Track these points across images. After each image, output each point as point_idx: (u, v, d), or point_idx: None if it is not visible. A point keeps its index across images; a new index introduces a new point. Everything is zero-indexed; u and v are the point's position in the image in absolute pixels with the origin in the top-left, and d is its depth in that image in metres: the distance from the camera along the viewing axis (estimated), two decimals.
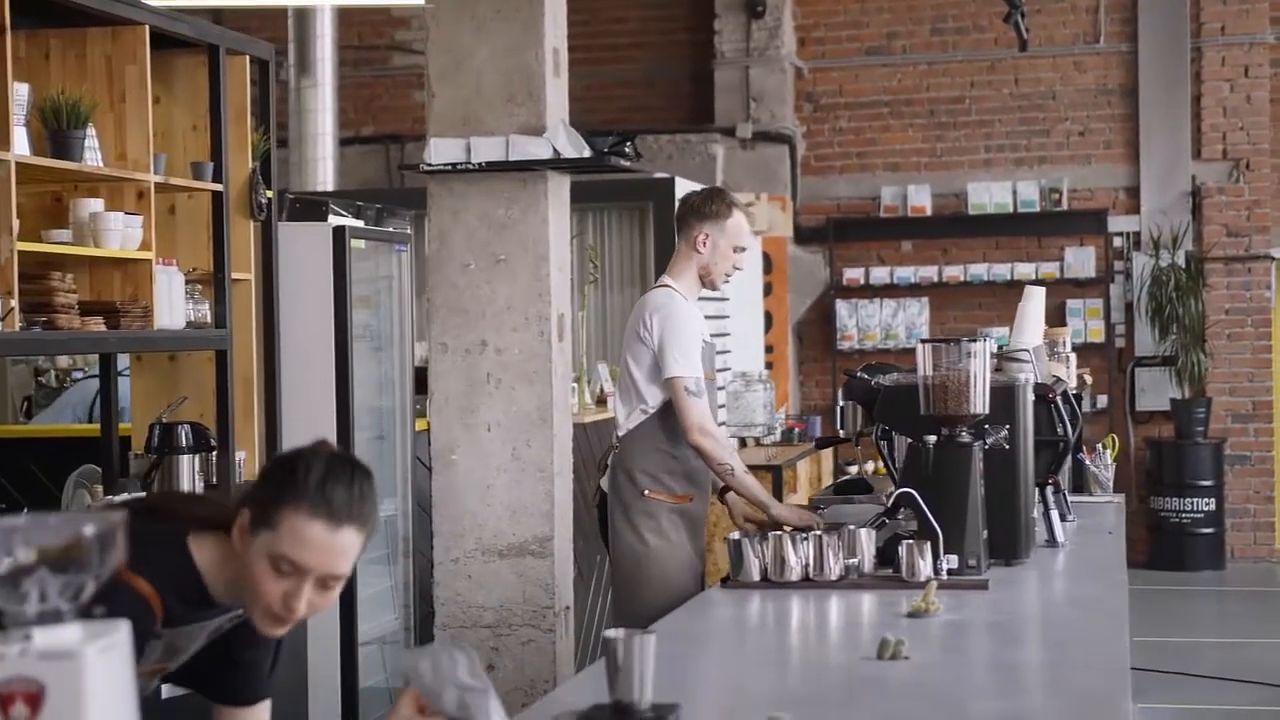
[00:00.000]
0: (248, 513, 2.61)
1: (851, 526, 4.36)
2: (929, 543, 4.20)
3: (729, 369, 10.23)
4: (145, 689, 2.65)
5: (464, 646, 2.69)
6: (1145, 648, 9.02)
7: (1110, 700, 2.91)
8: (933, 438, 4.38)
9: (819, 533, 4.30)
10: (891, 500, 4.39)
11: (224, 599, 2.70)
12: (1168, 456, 12.21)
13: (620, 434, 5.28)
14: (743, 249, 5.33)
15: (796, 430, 11.22)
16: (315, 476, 2.59)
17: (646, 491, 5.17)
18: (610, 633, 2.72)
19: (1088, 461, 6.44)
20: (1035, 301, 5.47)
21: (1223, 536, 12.24)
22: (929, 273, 12.68)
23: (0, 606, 1.78)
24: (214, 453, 5.52)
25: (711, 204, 5.29)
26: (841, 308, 12.80)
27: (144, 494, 4.92)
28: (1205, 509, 12.11)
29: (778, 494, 8.81)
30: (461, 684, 2.66)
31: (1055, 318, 12.18)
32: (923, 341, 4.44)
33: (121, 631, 1.80)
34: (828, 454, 11.36)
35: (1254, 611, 11.01)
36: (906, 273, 12.73)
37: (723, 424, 9.77)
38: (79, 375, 8.14)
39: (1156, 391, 12.44)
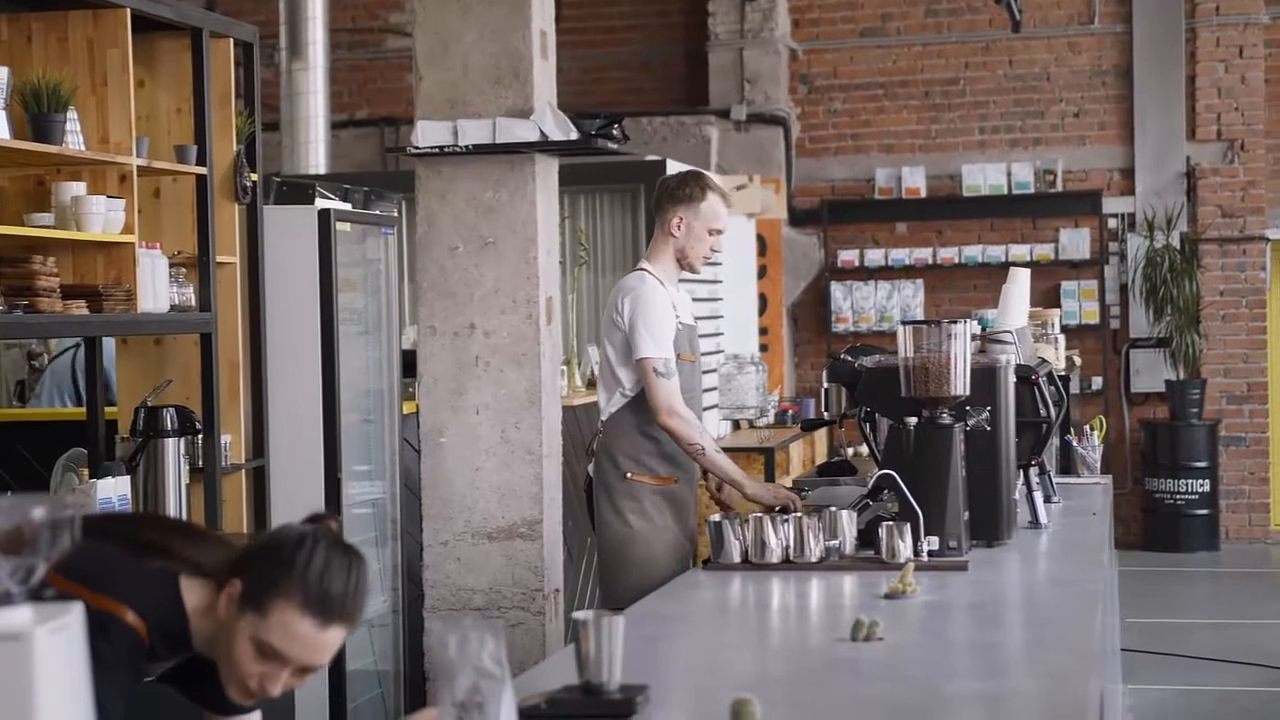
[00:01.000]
0: (239, 584, 2.59)
1: (833, 508, 4.36)
2: (909, 524, 4.21)
3: (722, 351, 10.23)
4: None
5: (496, 630, 2.70)
6: (1139, 629, 9.03)
7: (1076, 679, 2.92)
8: (913, 419, 4.39)
9: (799, 514, 4.31)
10: (872, 482, 4.39)
11: (203, 648, 2.68)
12: (1162, 438, 12.21)
13: (603, 419, 5.29)
14: (718, 231, 5.30)
15: (790, 413, 11.22)
16: (315, 570, 2.57)
17: (629, 474, 5.19)
18: (579, 615, 2.74)
19: (1075, 443, 6.43)
20: (1020, 283, 5.47)
21: (1217, 518, 12.25)
22: (924, 254, 12.67)
23: None
24: (199, 436, 5.52)
25: (685, 187, 5.30)
26: (836, 290, 12.79)
27: (140, 514, 4.85)
28: (1200, 490, 12.12)
29: (769, 476, 8.82)
30: (481, 668, 2.67)
31: (1049, 299, 12.19)
32: (904, 323, 4.44)
33: (73, 614, 1.81)
34: (821, 436, 11.38)
35: (1248, 592, 11.02)
36: (901, 255, 12.72)
37: (714, 406, 9.82)
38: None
39: (1151, 373, 12.44)
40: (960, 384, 4.37)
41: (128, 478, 5.20)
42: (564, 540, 6.09)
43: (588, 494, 5.41)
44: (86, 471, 5.41)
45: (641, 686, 2.77)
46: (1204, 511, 12.15)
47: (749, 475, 5.32)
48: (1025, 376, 4.95)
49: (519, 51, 5.72)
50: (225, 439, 5.70)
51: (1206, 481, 12.13)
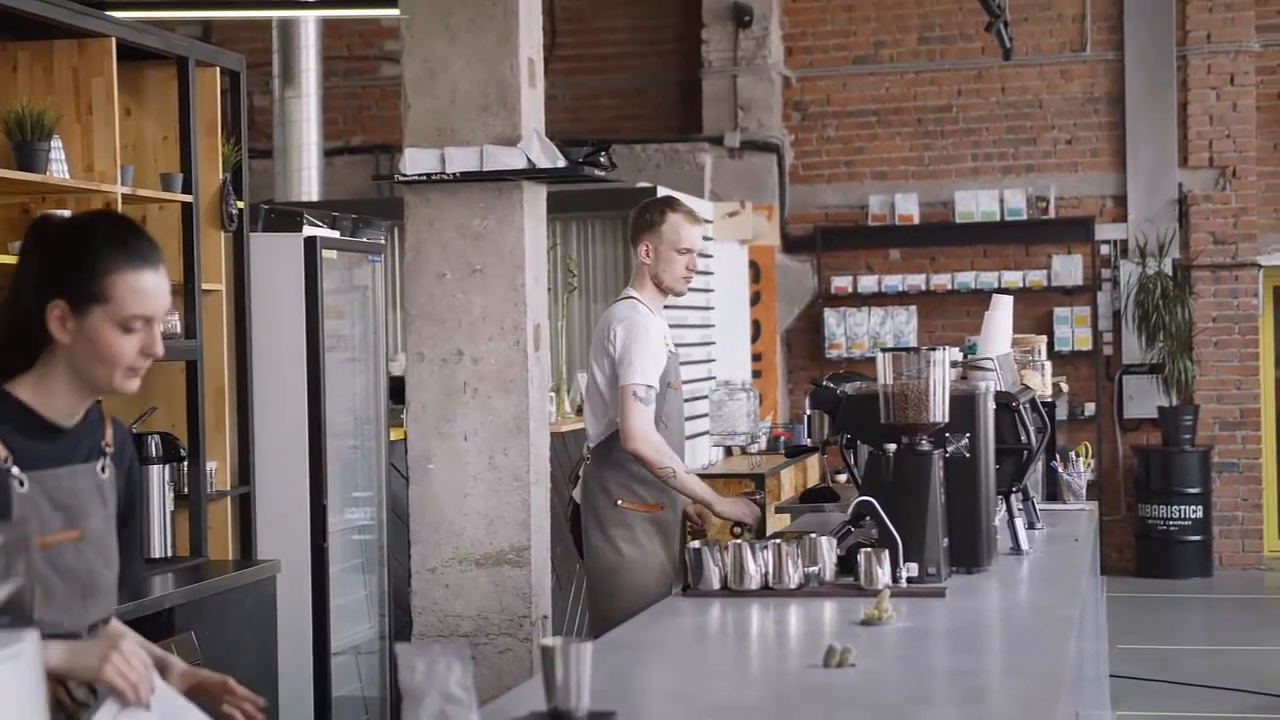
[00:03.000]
0: (60, 303, 2.65)
1: (813, 535, 4.37)
2: (887, 551, 4.22)
3: (714, 378, 10.25)
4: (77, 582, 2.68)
5: (464, 655, 2.72)
6: (1131, 655, 9.02)
7: (1046, 705, 2.92)
8: (893, 446, 4.39)
9: (779, 541, 4.32)
10: (852, 509, 4.40)
11: (61, 418, 2.72)
12: (1155, 464, 12.22)
13: (591, 445, 5.31)
14: (688, 250, 5.34)
15: (783, 439, 11.23)
16: (116, 239, 2.68)
17: (620, 502, 5.21)
18: (546, 641, 2.75)
19: (1060, 469, 6.44)
20: (1002, 310, 5.49)
21: (1210, 544, 12.25)
22: (917, 281, 12.69)
23: None
24: (184, 463, 5.54)
25: (645, 214, 5.39)
26: (830, 316, 12.81)
27: None
28: (1193, 516, 12.12)
29: (761, 503, 8.82)
30: (448, 693, 2.68)
31: (1042, 325, 12.21)
32: (883, 350, 4.45)
33: (28, 641, 1.82)
34: (814, 462, 11.38)
35: (1241, 619, 11.01)
36: (894, 281, 12.74)
37: (704, 432, 9.83)
38: None
39: (1144, 399, 12.45)
40: (939, 411, 4.38)
41: None
42: (552, 567, 6.09)
43: (572, 520, 5.43)
44: None
45: (609, 713, 2.78)
46: (1197, 537, 12.15)
47: (719, 494, 5.35)
48: (1006, 403, 4.96)
49: (506, 79, 5.75)
50: (211, 466, 5.72)
51: (1199, 507, 12.13)
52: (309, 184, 10.52)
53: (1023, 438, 5.02)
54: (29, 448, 2.67)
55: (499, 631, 5.64)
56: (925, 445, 4.40)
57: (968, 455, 4.52)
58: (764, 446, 10.49)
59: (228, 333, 5.90)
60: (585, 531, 5.29)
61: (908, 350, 4.44)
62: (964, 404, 4.54)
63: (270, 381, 6.08)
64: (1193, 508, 12.11)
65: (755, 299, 12.32)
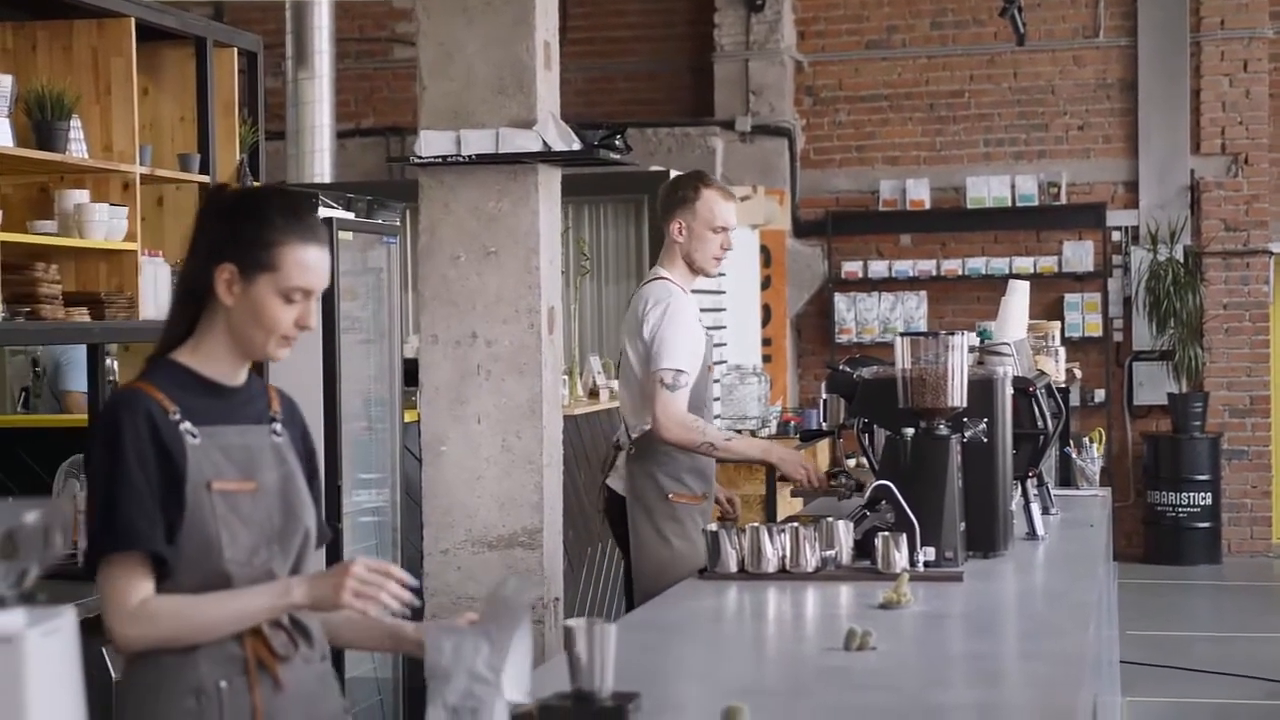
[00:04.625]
0: (232, 268, 2.78)
1: (830, 518, 4.38)
2: (905, 535, 4.22)
3: (725, 361, 10.24)
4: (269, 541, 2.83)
5: (491, 635, 2.74)
6: (1140, 641, 9.03)
7: (1067, 689, 2.93)
8: (910, 430, 4.39)
9: (796, 525, 4.32)
10: (869, 493, 4.40)
11: (222, 378, 2.85)
12: (1165, 451, 12.22)
13: (634, 435, 5.23)
14: (722, 228, 5.23)
15: (793, 423, 11.23)
16: (290, 211, 2.82)
17: (671, 495, 5.15)
18: (570, 622, 2.75)
19: (1074, 455, 6.44)
20: (1019, 295, 5.49)
21: (1219, 531, 12.26)
22: (927, 266, 12.69)
23: None
24: None
25: (679, 190, 5.27)
26: (840, 301, 12.81)
27: None
28: (1202, 503, 12.12)
29: (770, 487, 8.81)
30: (475, 673, 2.70)
31: (1053, 312, 12.19)
32: (901, 335, 4.45)
33: (65, 617, 1.83)
34: (825, 447, 11.38)
35: (1250, 606, 11.02)
36: (905, 266, 12.74)
37: (716, 416, 9.80)
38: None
39: (1154, 386, 12.45)
40: (957, 395, 4.38)
41: None
42: (564, 550, 6.09)
43: (608, 512, 5.35)
44: None
45: (633, 694, 2.79)
46: (1206, 524, 12.15)
47: (771, 446, 5.29)
48: (1023, 389, 4.96)
49: (522, 62, 5.74)
50: None
51: (1208, 494, 12.13)
52: (321, 166, 10.51)
53: (1039, 423, 5.02)
54: (195, 404, 2.80)
55: None
56: (943, 430, 4.40)
57: (985, 440, 4.51)
58: (774, 431, 10.49)
59: None
60: (633, 523, 5.21)
61: (926, 335, 4.44)
62: (982, 389, 4.53)
63: (286, 364, 6.04)
64: (1202, 495, 12.11)
65: (766, 283, 12.31)
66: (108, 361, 5.94)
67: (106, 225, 5.00)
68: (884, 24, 12.97)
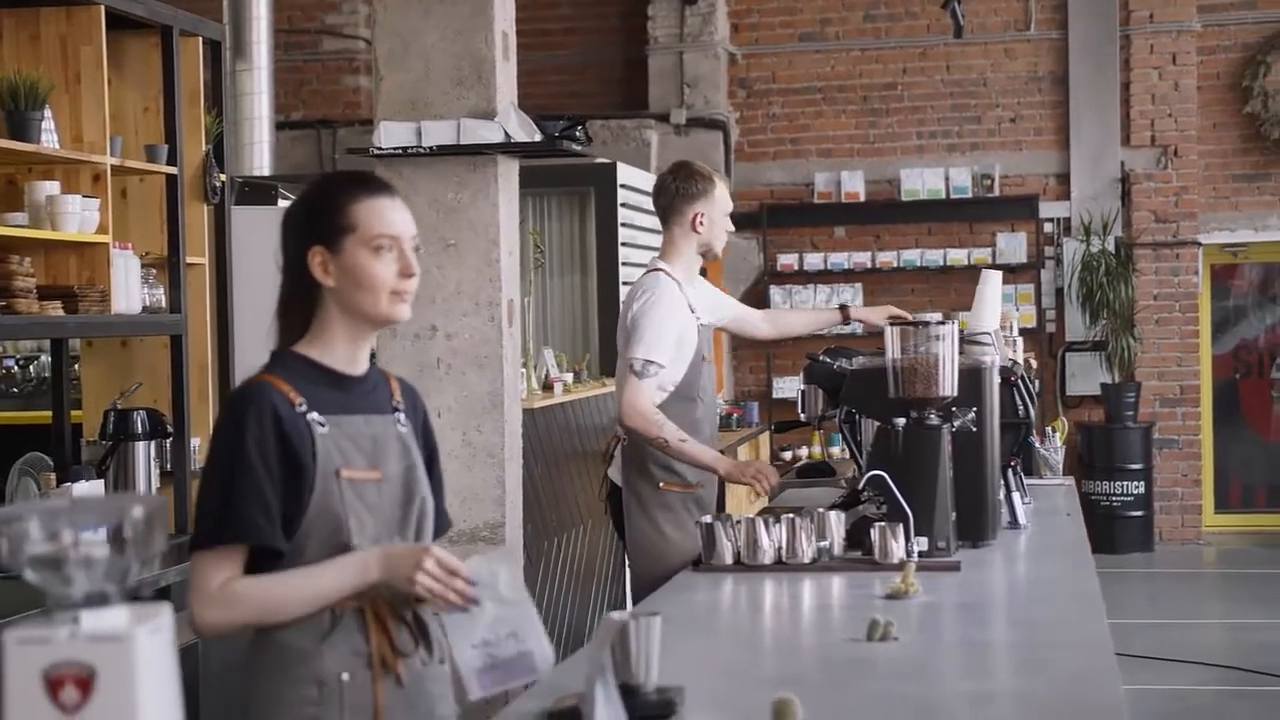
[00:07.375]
0: (320, 249, 2.82)
1: (821, 509, 4.37)
2: (901, 525, 4.22)
3: None
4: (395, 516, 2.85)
5: (505, 559, 2.74)
6: None
7: (1103, 680, 2.94)
8: (902, 420, 4.39)
9: (793, 517, 4.31)
10: (864, 483, 4.39)
11: (343, 366, 2.87)
12: (1098, 440, 12.34)
13: (628, 425, 5.20)
14: (729, 212, 5.43)
15: (735, 416, 11.25)
16: (351, 179, 2.90)
17: (662, 484, 5.14)
18: (616, 615, 2.72)
19: (1038, 444, 6.49)
20: (993, 285, 5.51)
21: (1151, 519, 12.40)
22: (862, 258, 12.74)
23: (46, 590, 1.76)
24: (169, 439, 5.46)
25: (697, 183, 5.31)
26: (776, 293, 12.83)
27: None
28: (1135, 492, 12.26)
29: (721, 487, 8.78)
30: (502, 598, 2.69)
31: None
32: (891, 324, 4.45)
33: (165, 615, 1.78)
34: (765, 439, 11.42)
35: (1183, 592, 11.16)
36: (840, 259, 12.78)
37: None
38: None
39: (1087, 376, 12.57)
40: (948, 385, 4.39)
41: (101, 481, 5.13)
42: (524, 544, 6.06)
43: (609, 501, 5.33)
44: (53, 476, 5.32)
45: (678, 688, 2.77)
46: (1139, 513, 12.30)
47: (720, 457, 5.27)
48: (1006, 377, 4.98)
49: (481, 53, 5.71)
50: (195, 441, 5.64)
51: (1141, 483, 12.27)
52: (260, 158, 10.37)
53: (1020, 411, 5.05)
54: (320, 395, 2.82)
55: None
56: (934, 419, 4.40)
57: (974, 429, 4.52)
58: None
59: (210, 307, 5.82)
60: (627, 512, 5.20)
61: (916, 324, 4.44)
62: (971, 378, 4.55)
63: (252, 356, 5.99)
64: (1134, 484, 12.25)
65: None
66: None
67: (79, 217, 4.90)
68: (817, 17, 13.00)
